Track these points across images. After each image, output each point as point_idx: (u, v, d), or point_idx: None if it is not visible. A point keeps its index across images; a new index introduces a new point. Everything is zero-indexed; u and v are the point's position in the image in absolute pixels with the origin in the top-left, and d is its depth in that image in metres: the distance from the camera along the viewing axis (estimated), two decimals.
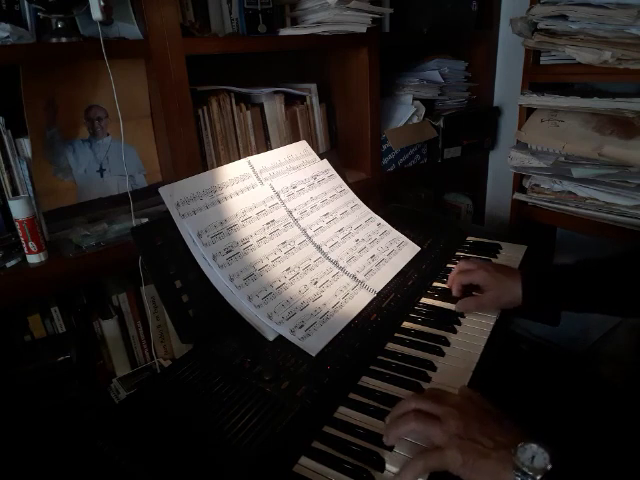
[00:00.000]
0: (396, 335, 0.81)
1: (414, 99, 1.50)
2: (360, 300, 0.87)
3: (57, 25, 0.88)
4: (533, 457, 0.50)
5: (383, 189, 1.46)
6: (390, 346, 0.78)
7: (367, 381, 0.71)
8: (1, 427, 0.82)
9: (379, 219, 1.09)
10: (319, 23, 1.16)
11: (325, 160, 1.11)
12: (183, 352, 0.77)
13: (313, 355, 0.74)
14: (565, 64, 1.32)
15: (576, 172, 1.30)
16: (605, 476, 0.51)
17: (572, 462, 0.51)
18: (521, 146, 1.45)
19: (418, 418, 0.57)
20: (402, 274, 0.97)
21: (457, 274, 0.90)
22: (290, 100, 1.30)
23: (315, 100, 1.35)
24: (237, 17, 1.11)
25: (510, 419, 0.56)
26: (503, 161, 1.65)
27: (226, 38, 1.09)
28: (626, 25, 1.14)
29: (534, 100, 1.38)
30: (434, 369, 0.72)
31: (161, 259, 0.79)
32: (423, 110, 1.50)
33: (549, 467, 0.49)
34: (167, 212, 0.82)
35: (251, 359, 0.72)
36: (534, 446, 0.50)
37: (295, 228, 0.94)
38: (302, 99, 1.33)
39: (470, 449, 0.53)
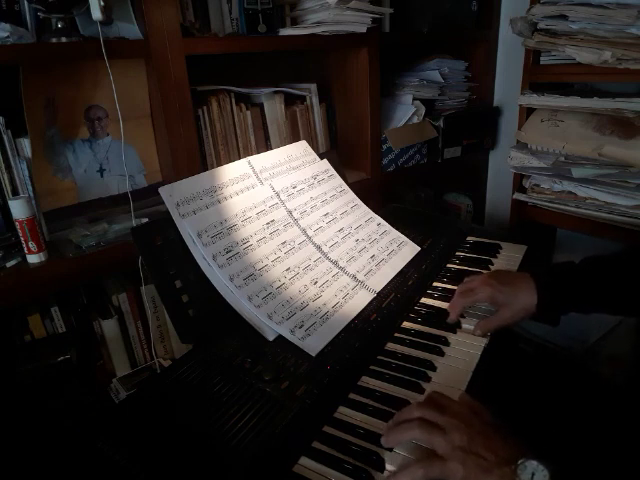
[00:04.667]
0: (396, 335, 0.81)
1: (414, 99, 1.50)
2: (360, 300, 0.87)
3: (57, 25, 0.88)
4: (533, 474, 0.49)
5: (383, 189, 1.46)
6: (390, 346, 0.78)
7: (367, 381, 0.71)
8: (1, 427, 0.82)
9: (379, 219, 1.09)
10: (319, 23, 1.16)
11: (325, 160, 1.11)
12: (183, 352, 0.77)
13: (313, 355, 0.74)
14: (565, 64, 1.32)
15: (576, 172, 1.30)
16: None
17: (571, 478, 0.51)
18: (521, 146, 1.45)
19: (422, 427, 0.57)
20: (402, 274, 0.97)
21: (458, 297, 0.83)
22: (290, 100, 1.30)
23: (315, 100, 1.35)
24: (237, 17, 1.11)
25: (513, 433, 0.55)
26: (503, 161, 1.65)
27: (226, 38, 1.09)
28: (626, 25, 1.14)
29: (534, 100, 1.38)
30: (434, 369, 0.72)
31: (161, 259, 0.79)
32: (423, 110, 1.50)
33: None
34: (167, 212, 0.82)
35: (251, 359, 0.72)
36: (534, 463, 0.50)
37: (295, 228, 0.94)
38: (302, 99, 1.33)
39: (473, 463, 0.52)
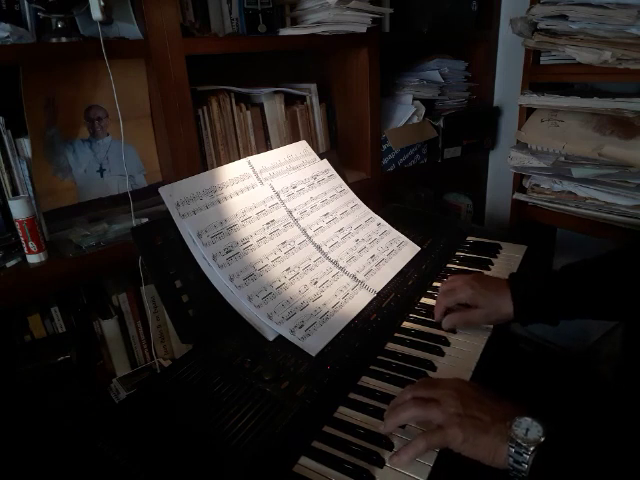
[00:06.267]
0: (396, 335, 0.81)
1: (414, 99, 1.50)
2: (360, 300, 0.87)
3: (57, 25, 0.88)
4: (527, 430, 0.52)
5: (383, 189, 1.46)
6: (390, 346, 0.79)
7: (367, 381, 0.71)
8: (1, 427, 0.82)
9: (379, 219, 1.09)
10: (319, 23, 1.16)
11: (325, 160, 1.11)
12: (183, 352, 0.77)
13: (313, 355, 0.74)
14: (565, 64, 1.32)
15: (576, 172, 1.30)
16: (596, 448, 0.52)
17: (565, 435, 0.53)
18: (521, 146, 1.45)
19: (417, 404, 0.59)
20: (402, 274, 0.97)
21: (440, 297, 0.84)
22: (290, 100, 1.30)
23: (315, 100, 1.35)
24: (237, 17, 1.11)
25: (505, 398, 0.58)
26: (503, 161, 1.65)
27: (226, 38, 1.09)
28: (626, 25, 1.14)
29: (534, 100, 1.38)
30: (434, 369, 0.73)
31: (161, 259, 0.79)
32: (423, 110, 1.50)
33: (542, 439, 0.51)
34: (167, 212, 0.82)
35: (251, 359, 0.72)
36: (528, 419, 0.52)
37: (295, 228, 0.94)
38: (302, 99, 1.33)
39: (470, 425, 0.55)
